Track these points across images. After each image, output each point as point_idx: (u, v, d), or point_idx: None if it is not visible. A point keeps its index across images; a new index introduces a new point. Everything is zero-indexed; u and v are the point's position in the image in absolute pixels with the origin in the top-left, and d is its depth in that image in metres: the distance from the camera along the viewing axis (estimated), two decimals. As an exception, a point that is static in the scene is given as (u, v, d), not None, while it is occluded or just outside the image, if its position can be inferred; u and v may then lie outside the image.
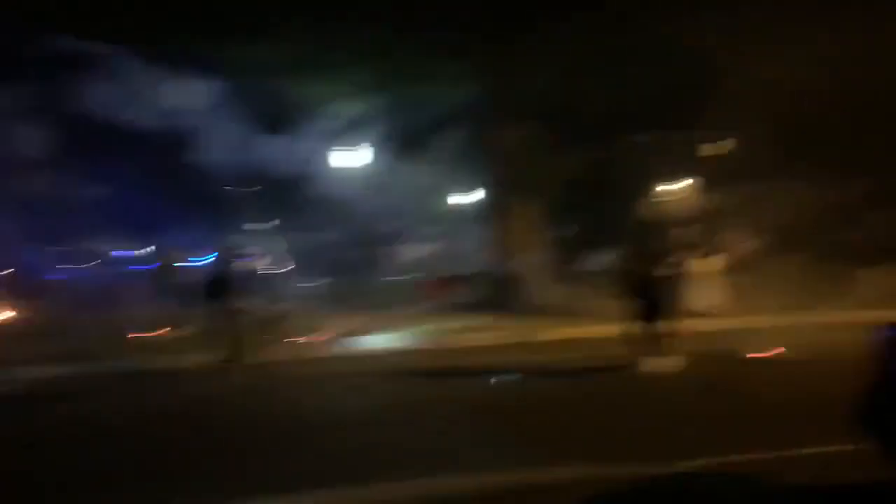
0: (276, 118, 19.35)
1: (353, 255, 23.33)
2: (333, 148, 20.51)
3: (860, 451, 2.29)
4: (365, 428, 6.71)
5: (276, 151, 20.18)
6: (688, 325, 9.81)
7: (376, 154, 20.83)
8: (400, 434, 6.38)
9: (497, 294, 16.30)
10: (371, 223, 23.49)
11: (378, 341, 12.87)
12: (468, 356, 10.83)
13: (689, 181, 17.47)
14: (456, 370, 9.63)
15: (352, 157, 20.96)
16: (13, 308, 14.56)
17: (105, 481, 5.31)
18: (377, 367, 10.05)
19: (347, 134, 20.22)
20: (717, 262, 14.18)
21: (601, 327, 11.03)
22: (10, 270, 15.48)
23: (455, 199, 22.86)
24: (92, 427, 7.24)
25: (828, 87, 13.61)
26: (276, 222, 25.85)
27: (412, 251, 26.99)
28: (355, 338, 12.98)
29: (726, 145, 17.29)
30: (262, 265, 18.79)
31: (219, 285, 10.27)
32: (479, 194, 20.60)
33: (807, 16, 13.25)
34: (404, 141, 19.52)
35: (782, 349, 9.50)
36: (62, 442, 6.73)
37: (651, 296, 8.64)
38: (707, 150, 17.45)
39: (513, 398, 7.96)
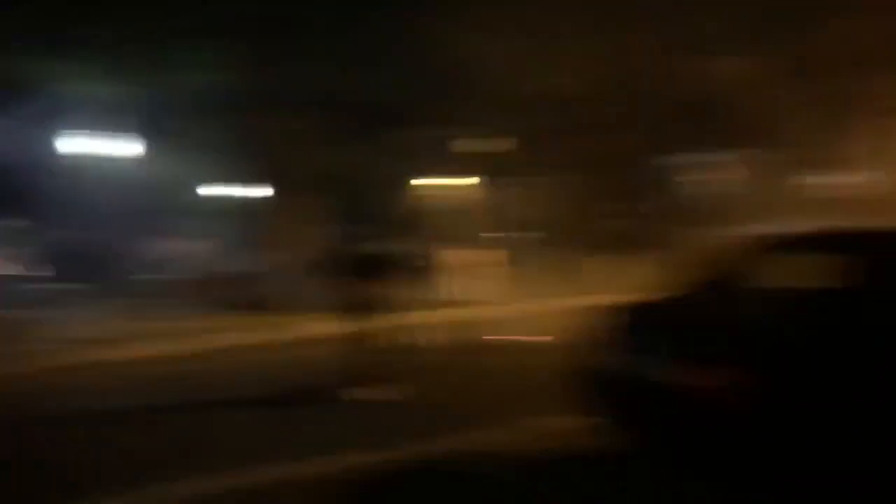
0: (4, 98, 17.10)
1: (102, 252, 21.21)
2: (68, 132, 18.05)
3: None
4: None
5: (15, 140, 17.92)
6: (444, 314, 10.05)
7: (131, 143, 18.79)
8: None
9: (259, 292, 15.66)
10: (124, 217, 21.89)
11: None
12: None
13: (454, 176, 18.23)
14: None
15: (104, 145, 18.60)
16: None
17: None
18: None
19: (100, 120, 17.97)
20: (486, 254, 14.89)
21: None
22: None
23: (218, 193, 21.42)
24: None
25: (582, 91, 14.79)
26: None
27: (170, 247, 25.13)
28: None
29: (489, 143, 18.16)
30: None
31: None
32: (243, 188, 19.95)
33: (564, 20, 14.36)
34: (161, 129, 18.09)
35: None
36: None
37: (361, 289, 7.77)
38: (469, 146, 18.11)
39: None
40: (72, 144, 18.18)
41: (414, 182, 18.04)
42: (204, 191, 21.80)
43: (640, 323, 4.68)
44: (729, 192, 18.33)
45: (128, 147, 18.75)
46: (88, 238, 20.93)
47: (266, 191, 16.90)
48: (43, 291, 16.42)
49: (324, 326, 11.08)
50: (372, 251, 8.01)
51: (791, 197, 16.94)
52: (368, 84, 14.85)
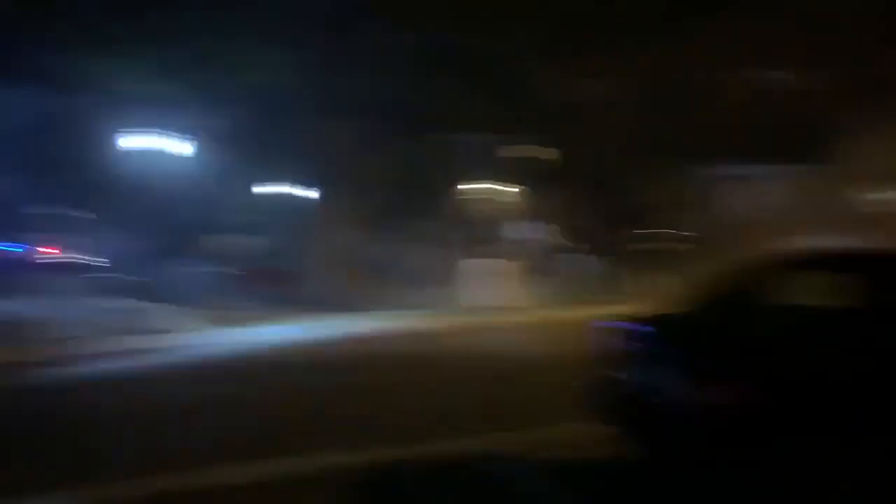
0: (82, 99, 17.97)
1: (164, 246, 22.04)
2: (132, 130, 19.41)
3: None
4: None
5: (78, 137, 19.07)
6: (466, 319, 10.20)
7: (197, 143, 19.97)
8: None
9: (305, 289, 16.31)
10: (186, 213, 22.63)
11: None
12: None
13: (500, 183, 18.38)
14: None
15: (171, 145, 19.80)
16: None
17: None
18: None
19: (163, 121, 19.29)
20: (511, 262, 15.18)
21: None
22: None
23: (273, 192, 22.03)
24: None
25: (633, 108, 14.83)
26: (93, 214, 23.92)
27: (226, 243, 25.95)
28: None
29: (533, 151, 18.34)
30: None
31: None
32: (294, 188, 20.42)
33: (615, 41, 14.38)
34: (224, 131, 18.85)
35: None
36: None
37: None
38: (514, 153, 18.32)
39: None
40: (134, 141, 19.31)
41: (459, 187, 18.23)
42: (257, 190, 22.36)
43: (655, 336, 4.76)
44: (777, 207, 18.13)
45: (186, 145, 19.69)
46: (152, 232, 21.77)
47: (314, 191, 17.30)
48: (110, 281, 16.69)
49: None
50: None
51: (844, 212, 16.74)
52: (418, 90, 15.21)
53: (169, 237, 22.66)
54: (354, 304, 14.59)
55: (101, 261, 19.17)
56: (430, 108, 15.49)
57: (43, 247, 18.96)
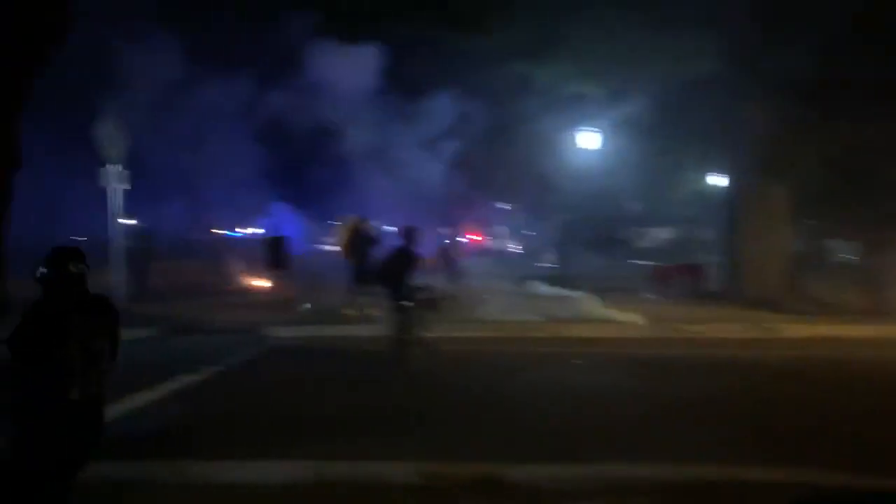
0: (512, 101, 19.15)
1: (589, 237, 22.68)
2: (577, 129, 19.32)
3: None
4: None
5: (513, 134, 20.34)
6: None
7: (613, 134, 19.67)
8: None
9: (734, 284, 15.19)
10: (608, 206, 22.83)
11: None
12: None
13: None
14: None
15: (590, 139, 19.46)
16: (269, 278, 16.92)
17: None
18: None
19: (584, 114, 19.38)
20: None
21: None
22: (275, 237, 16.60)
23: (697, 183, 21.69)
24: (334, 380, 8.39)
25: None
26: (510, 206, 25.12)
27: (651, 235, 26.18)
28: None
29: None
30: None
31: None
32: (722, 177, 19.06)
33: None
34: (643, 121, 18.74)
35: None
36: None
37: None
38: None
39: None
40: (582, 139, 19.41)
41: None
42: (689, 181, 22.34)
43: None
44: None
45: (594, 137, 19.40)
46: (593, 224, 22.29)
47: (746, 180, 15.55)
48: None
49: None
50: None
51: None
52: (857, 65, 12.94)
53: (582, 229, 23.26)
54: (794, 305, 13.15)
55: (517, 248, 20.31)
56: (871, 86, 12.85)
57: (470, 233, 20.41)
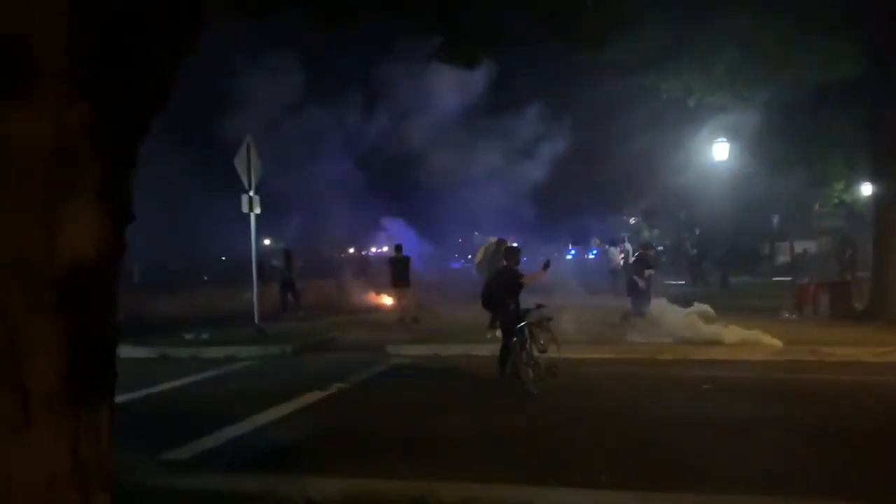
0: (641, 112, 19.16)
1: (723, 252, 22.15)
2: (709, 139, 19.47)
3: None
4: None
5: (640, 146, 20.36)
6: None
7: (748, 145, 19.31)
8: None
9: (882, 303, 14.04)
10: (743, 219, 22.19)
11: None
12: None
13: None
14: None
15: (722, 149, 19.66)
16: (394, 296, 17.45)
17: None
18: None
19: (716, 125, 19.23)
20: None
21: None
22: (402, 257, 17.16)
23: (841, 193, 20.58)
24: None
25: None
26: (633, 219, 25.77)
27: (792, 250, 25.04)
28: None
29: None
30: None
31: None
32: (867, 187, 18.25)
33: None
34: (779, 130, 18.10)
35: None
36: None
37: None
38: None
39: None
40: (716, 151, 19.68)
41: None
42: (827, 193, 21.21)
43: None
44: None
45: (723, 148, 19.43)
46: (728, 238, 22.65)
47: (880, 188, 14.80)
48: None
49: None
50: None
51: None
52: None
53: (715, 243, 23.40)
54: None
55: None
56: None
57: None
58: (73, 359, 1.25)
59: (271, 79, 20.43)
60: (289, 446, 6.75)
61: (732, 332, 11.75)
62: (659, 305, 13.06)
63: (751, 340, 11.54)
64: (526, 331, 8.98)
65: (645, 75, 17.05)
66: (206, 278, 27.62)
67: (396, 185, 24.93)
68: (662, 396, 8.46)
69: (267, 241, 34.91)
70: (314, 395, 8.87)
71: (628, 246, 20.04)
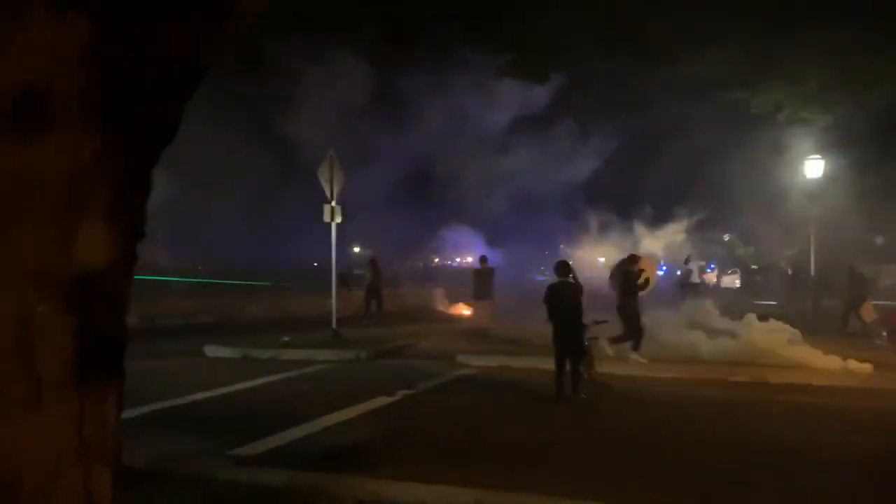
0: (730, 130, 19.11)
1: (819, 273, 21.03)
2: (802, 156, 18.49)
3: None
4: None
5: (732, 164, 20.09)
6: None
7: (844, 161, 18.64)
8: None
9: None
10: (840, 238, 21.04)
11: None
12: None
13: None
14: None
15: (816, 166, 18.50)
16: (474, 307, 17.68)
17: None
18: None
19: (810, 141, 18.57)
20: None
21: None
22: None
23: None
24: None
25: None
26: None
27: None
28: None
29: None
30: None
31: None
32: None
33: None
34: (878, 145, 17.57)
35: None
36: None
37: None
38: None
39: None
40: (811, 168, 18.73)
41: None
42: None
43: None
44: None
45: (818, 165, 18.50)
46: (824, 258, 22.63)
47: None
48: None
49: None
50: None
51: None
52: None
53: (809, 263, 23.15)
54: None
55: (734, 283, 19.75)
56: None
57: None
58: (81, 351, 1.49)
59: (351, 94, 21.22)
60: (349, 448, 7.02)
61: (815, 355, 11.31)
62: (746, 321, 12.66)
63: (833, 365, 11.07)
64: (586, 346, 9.01)
65: (733, 91, 16.66)
66: (285, 284, 28.62)
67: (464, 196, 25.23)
68: (728, 419, 8.27)
69: (356, 249, 35.93)
70: (380, 401, 9.14)
71: (693, 265, 19.61)
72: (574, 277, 9.55)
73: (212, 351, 13.51)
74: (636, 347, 11.59)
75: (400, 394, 9.60)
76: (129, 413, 8.17)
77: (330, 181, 13.92)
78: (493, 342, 14.13)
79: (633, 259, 12.44)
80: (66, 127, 1.45)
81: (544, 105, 20.30)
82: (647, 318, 12.11)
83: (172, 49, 1.59)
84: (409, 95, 22.62)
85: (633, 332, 11.62)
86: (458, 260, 33.99)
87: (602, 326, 9.79)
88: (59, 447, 1.45)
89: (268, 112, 24.68)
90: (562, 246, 27.94)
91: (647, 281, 12.24)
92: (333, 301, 14.58)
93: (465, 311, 19.46)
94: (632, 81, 18.09)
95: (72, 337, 1.46)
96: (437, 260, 36.35)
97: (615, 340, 11.64)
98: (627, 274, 11.95)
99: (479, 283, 16.91)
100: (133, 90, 1.53)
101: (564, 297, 9.33)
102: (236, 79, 19.87)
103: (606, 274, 13.21)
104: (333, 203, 14.04)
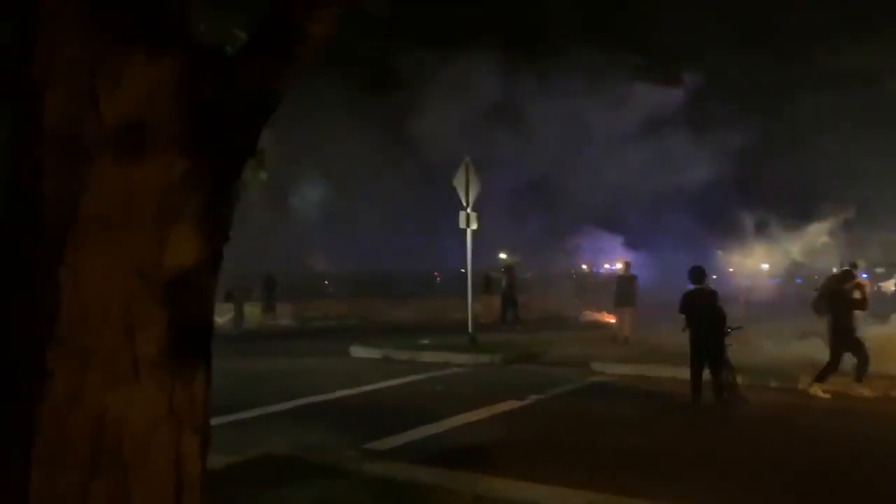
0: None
1: None
2: None
3: None
4: None
5: None
6: None
7: None
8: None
9: None
10: None
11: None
12: None
13: None
14: None
15: None
16: (615, 315, 17.09)
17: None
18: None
19: None
20: None
21: None
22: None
23: None
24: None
25: None
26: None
27: None
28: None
29: None
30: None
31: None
32: None
33: None
34: None
35: None
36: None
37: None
38: None
39: None
40: None
41: None
42: None
43: None
44: None
45: None
46: None
47: None
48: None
49: None
50: None
51: None
52: None
53: None
54: None
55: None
56: None
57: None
58: (172, 337, 1.80)
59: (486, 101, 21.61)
60: (473, 448, 7.24)
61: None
62: None
63: None
64: (722, 354, 8.71)
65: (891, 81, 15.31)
66: (426, 289, 29.36)
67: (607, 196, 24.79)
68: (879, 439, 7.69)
69: (503, 255, 36.40)
70: (510, 404, 9.30)
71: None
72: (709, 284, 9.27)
73: (356, 351, 14.25)
74: (860, 378, 9.84)
75: (531, 398, 9.71)
76: (278, 406, 9.02)
77: (466, 188, 14.26)
78: (632, 350, 13.85)
79: (847, 276, 10.49)
80: (160, 150, 1.76)
81: (679, 105, 19.68)
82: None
83: (249, 83, 1.87)
84: (539, 100, 22.70)
85: (835, 360, 9.75)
86: (606, 266, 33.49)
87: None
88: (154, 415, 1.76)
89: (409, 122, 25.68)
90: (718, 251, 26.69)
91: (864, 299, 10.25)
92: (470, 306, 14.89)
93: (606, 318, 19.16)
94: (769, 77, 17.09)
95: (164, 325, 1.77)
96: (585, 267, 35.99)
97: (822, 377, 9.79)
98: (841, 293, 10.09)
99: (621, 289, 16.59)
100: (216, 118, 1.82)
101: (701, 303, 9.06)
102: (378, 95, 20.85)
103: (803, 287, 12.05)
104: (469, 210, 14.37)
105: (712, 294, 9.17)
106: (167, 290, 1.78)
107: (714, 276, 24.65)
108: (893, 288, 29.01)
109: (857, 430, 8.03)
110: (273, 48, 1.89)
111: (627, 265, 17.20)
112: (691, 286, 9.41)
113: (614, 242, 23.86)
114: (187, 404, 1.83)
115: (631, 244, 24.21)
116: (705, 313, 8.98)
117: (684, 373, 10.94)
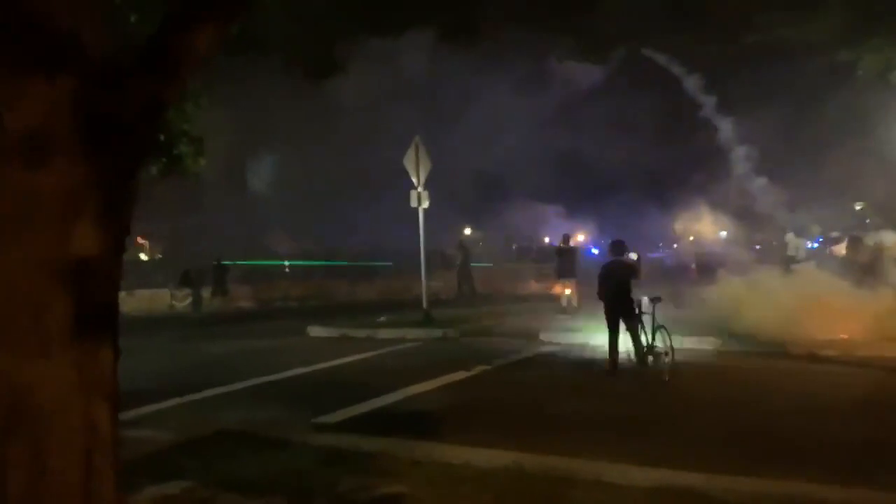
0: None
1: None
2: None
3: None
4: None
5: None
6: None
7: None
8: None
9: None
10: None
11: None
12: None
13: None
14: None
15: None
16: (560, 287, 17.39)
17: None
18: None
19: None
20: None
21: None
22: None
23: None
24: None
25: None
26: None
27: None
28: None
29: None
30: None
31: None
32: None
33: None
34: None
35: None
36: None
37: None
38: None
39: None
40: None
41: None
42: None
43: None
44: None
45: None
46: None
47: None
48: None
49: None
50: None
51: None
52: None
53: None
54: None
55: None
56: None
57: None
58: (78, 316, 2.09)
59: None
60: (418, 416, 7.60)
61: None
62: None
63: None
64: (641, 321, 9.29)
65: (836, 52, 15.84)
66: (385, 266, 29.52)
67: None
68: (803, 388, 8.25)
69: (467, 231, 36.78)
70: (458, 375, 9.69)
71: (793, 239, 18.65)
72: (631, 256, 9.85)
73: (315, 331, 14.54)
74: None
75: (478, 369, 10.11)
76: (233, 386, 9.29)
77: (416, 167, 14.53)
78: (577, 321, 14.34)
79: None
80: (61, 157, 2.04)
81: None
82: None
83: (140, 96, 2.15)
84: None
85: None
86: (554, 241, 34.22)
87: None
88: (65, 386, 2.06)
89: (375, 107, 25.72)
90: (675, 223, 27.29)
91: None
92: (424, 283, 15.23)
93: (557, 289, 19.68)
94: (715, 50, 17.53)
95: (71, 307, 2.06)
96: (546, 240, 36.55)
97: None
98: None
99: (562, 262, 17.05)
100: (110, 126, 2.10)
101: (615, 275, 9.63)
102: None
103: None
104: (420, 189, 14.65)
105: (628, 267, 9.69)
106: (73, 277, 2.06)
107: (675, 245, 25.26)
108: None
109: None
110: (160, 64, 2.17)
111: (567, 238, 17.65)
112: (610, 258, 9.93)
113: (559, 216, 24.36)
114: (96, 376, 2.12)
115: (585, 219, 24.68)
116: (618, 283, 9.51)
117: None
